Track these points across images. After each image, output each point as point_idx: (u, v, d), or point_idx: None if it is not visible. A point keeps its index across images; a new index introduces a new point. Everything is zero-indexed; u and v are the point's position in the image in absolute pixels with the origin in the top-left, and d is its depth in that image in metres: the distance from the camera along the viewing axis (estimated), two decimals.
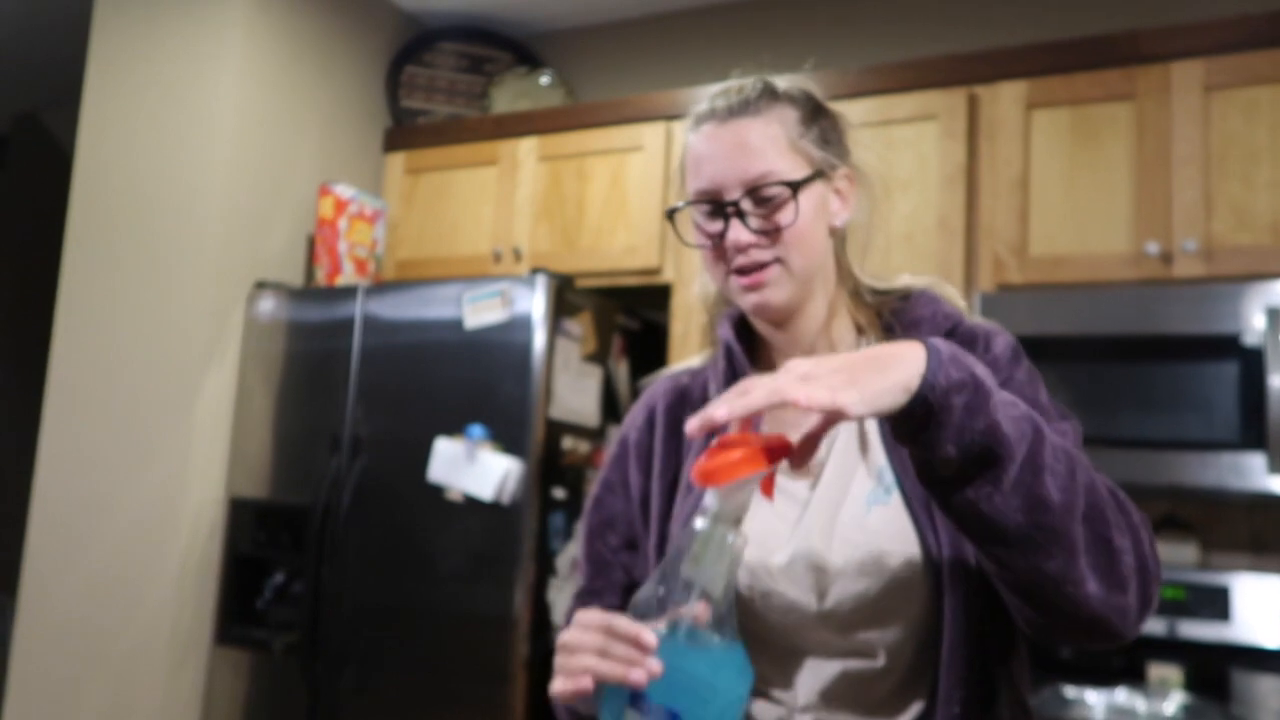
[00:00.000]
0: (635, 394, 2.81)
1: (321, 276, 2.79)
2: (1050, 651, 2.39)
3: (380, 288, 2.57)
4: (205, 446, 2.61)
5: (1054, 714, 2.01)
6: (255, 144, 2.78)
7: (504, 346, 2.38)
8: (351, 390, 2.50)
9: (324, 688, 2.35)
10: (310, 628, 2.36)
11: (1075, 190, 2.31)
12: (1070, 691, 2.17)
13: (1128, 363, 2.13)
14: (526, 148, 2.96)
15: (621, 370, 2.74)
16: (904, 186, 2.47)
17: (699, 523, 0.79)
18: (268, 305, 2.68)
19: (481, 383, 2.39)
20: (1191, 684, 2.23)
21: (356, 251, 2.81)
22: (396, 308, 2.52)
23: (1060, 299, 2.21)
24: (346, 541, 2.41)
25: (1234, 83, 2.19)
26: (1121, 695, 2.11)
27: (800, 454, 0.83)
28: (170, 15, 2.79)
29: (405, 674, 2.32)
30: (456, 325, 2.43)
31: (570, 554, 2.46)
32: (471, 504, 2.32)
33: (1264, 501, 2.31)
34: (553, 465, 2.41)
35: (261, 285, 2.72)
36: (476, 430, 2.35)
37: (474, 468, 2.34)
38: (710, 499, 0.79)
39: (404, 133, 3.19)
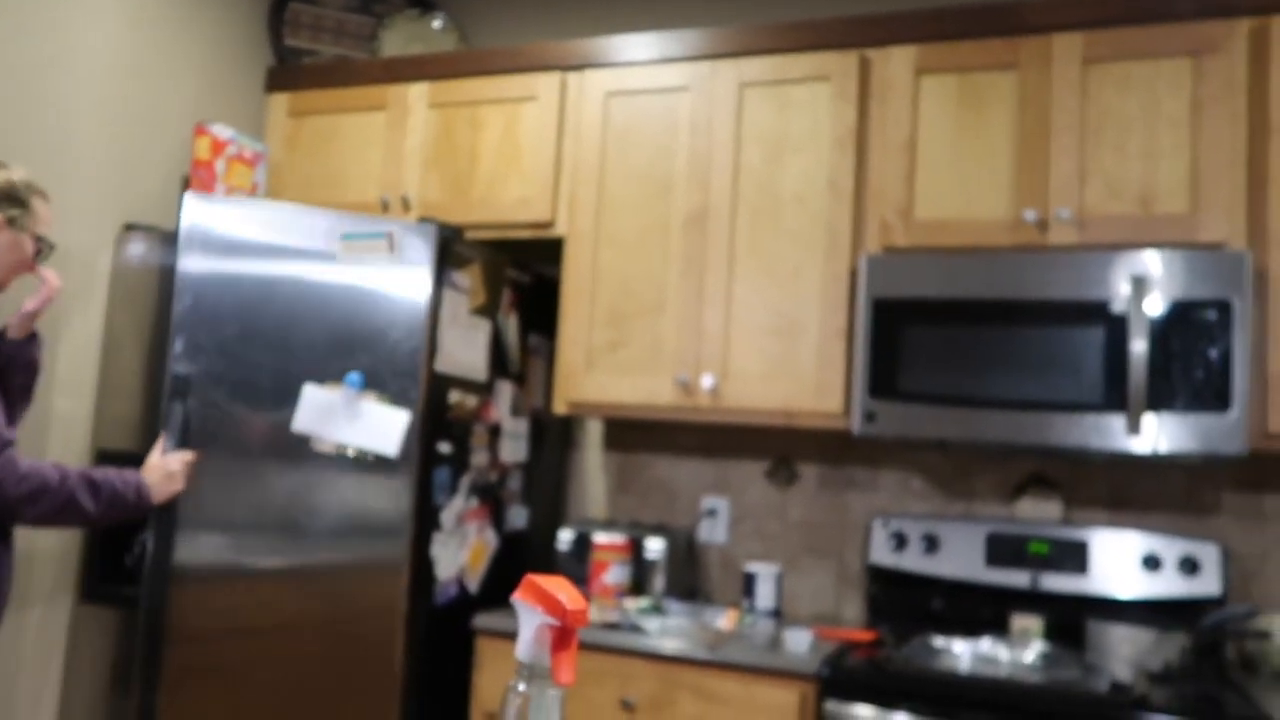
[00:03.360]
0: (525, 348, 2.78)
1: None
2: (921, 605, 2.48)
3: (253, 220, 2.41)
4: (69, 398, 2.48)
5: (923, 663, 2.08)
6: (126, 80, 2.63)
7: (387, 296, 2.32)
8: (206, 332, 2.31)
9: (181, 650, 2.27)
10: (160, 589, 2.24)
11: (960, 156, 2.37)
12: (938, 641, 2.26)
13: (1003, 326, 2.19)
14: (417, 93, 2.87)
15: (511, 324, 2.71)
16: (796, 148, 2.49)
17: (521, 686, 0.76)
18: (138, 249, 2.55)
19: (359, 331, 2.31)
20: (1051, 634, 2.35)
21: (235, 195, 2.69)
22: (265, 249, 2.34)
23: (942, 262, 2.27)
24: (204, 497, 2.29)
25: (1110, 56, 2.26)
26: (986, 645, 2.21)
27: None
28: None
29: (276, 633, 2.27)
30: (331, 266, 2.32)
31: (455, 509, 2.43)
32: (344, 458, 2.26)
33: (1122, 460, 2.43)
34: (439, 419, 2.37)
35: (131, 227, 2.59)
36: (356, 379, 2.27)
37: (360, 419, 2.26)
38: (526, 655, 0.76)
39: (287, 73, 3.06)
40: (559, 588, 0.76)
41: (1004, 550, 2.42)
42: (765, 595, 2.56)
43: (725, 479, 2.85)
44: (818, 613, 2.70)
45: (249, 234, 2.33)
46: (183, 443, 2.25)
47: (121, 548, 2.43)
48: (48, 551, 2.42)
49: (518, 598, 0.77)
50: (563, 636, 0.75)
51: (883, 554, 2.53)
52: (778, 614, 2.57)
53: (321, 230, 2.33)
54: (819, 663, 2.07)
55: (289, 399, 2.27)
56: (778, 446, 2.80)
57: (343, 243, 2.31)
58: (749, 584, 2.58)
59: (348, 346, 2.30)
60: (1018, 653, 2.17)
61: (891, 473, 2.68)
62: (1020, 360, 2.17)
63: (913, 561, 2.50)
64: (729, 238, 2.52)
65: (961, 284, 2.24)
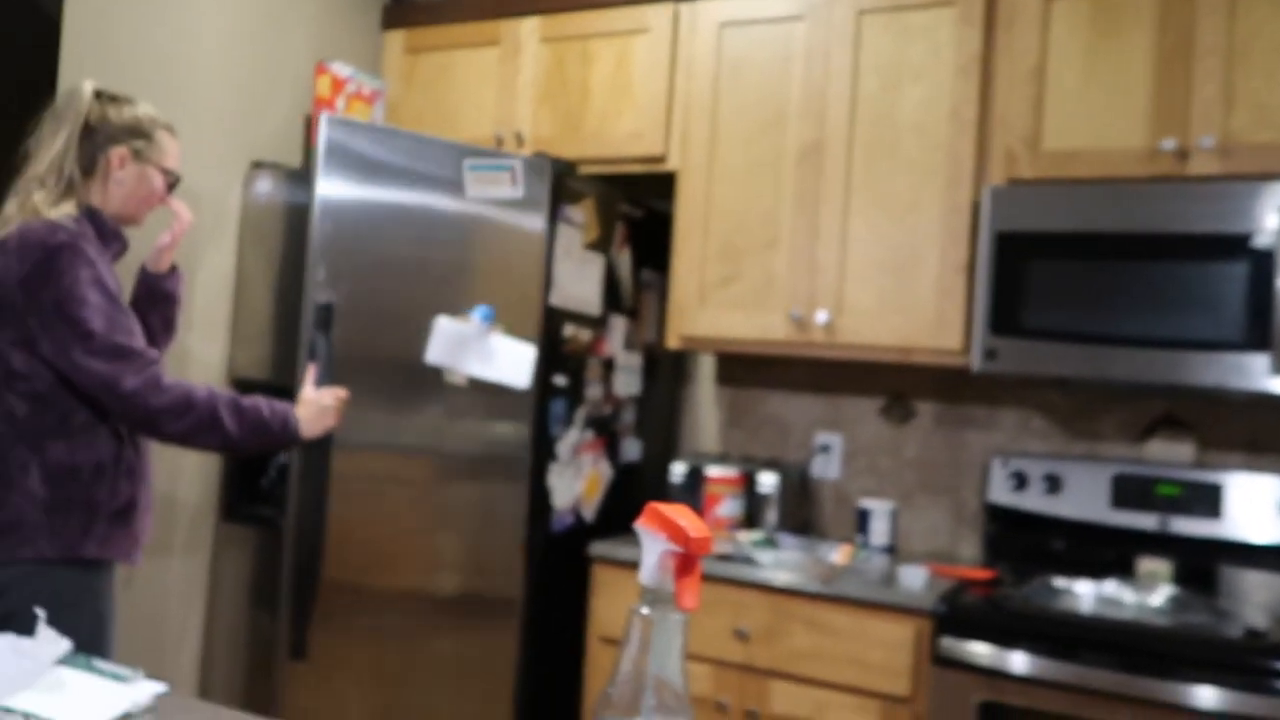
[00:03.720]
0: (638, 283, 2.79)
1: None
2: (1042, 545, 2.44)
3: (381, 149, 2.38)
4: (205, 330, 2.60)
5: (1043, 602, 2.05)
6: (248, 19, 2.69)
7: (505, 228, 2.35)
8: (345, 260, 2.32)
9: (324, 567, 2.38)
10: (314, 509, 2.34)
11: (1092, 82, 2.25)
12: (1059, 582, 2.22)
13: (1135, 260, 2.10)
14: (529, 28, 2.87)
15: (624, 259, 2.72)
16: (916, 77, 2.41)
17: (645, 610, 0.77)
18: (265, 186, 2.64)
19: (480, 262, 2.34)
20: (1180, 578, 2.28)
21: None
22: (399, 174, 2.34)
23: (1071, 194, 2.18)
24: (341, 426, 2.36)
25: None
26: (1110, 587, 2.16)
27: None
28: None
29: (407, 558, 2.36)
30: (447, 208, 2.34)
31: (570, 441, 2.48)
32: (476, 387, 2.30)
33: (1263, 401, 2.32)
34: (554, 352, 2.41)
35: (258, 165, 2.67)
36: (487, 311, 2.27)
37: (489, 352, 2.27)
38: (650, 580, 0.77)
39: (403, 10, 3.10)
40: (682, 515, 0.77)
41: (1131, 492, 2.35)
42: (879, 532, 2.55)
43: (839, 415, 2.83)
44: (933, 550, 2.68)
45: (385, 159, 2.33)
46: (329, 373, 2.22)
47: (257, 470, 2.56)
48: (191, 471, 2.57)
49: (641, 524, 0.78)
50: (686, 563, 0.76)
51: (1002, 493, 2.49)
52: (892, 550, 2.56)
53: (450, 159, 2.34)
54: (934, 599, 2.06)
55: (419, 328, 2.28)
56: (892, 383, 2.76)
57: (470, 173, 2.31)
58: (862, 520, 2.57)
59: (469, 277, 2.33)
60: (1144, 596, 2.12)
61: (1011, 411, 2.62)
62: (1153, 296, 2.08)
63: (1033, 501, 2.45)
64: (844, 170, 2.47)
65: (1091, 217, 2.15)
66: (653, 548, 0.78)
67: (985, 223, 2.25)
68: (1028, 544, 2.47)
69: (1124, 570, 2.34)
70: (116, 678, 1.14)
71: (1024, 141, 2.30)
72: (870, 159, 2.45)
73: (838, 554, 2.42)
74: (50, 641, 1.11)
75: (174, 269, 2.04)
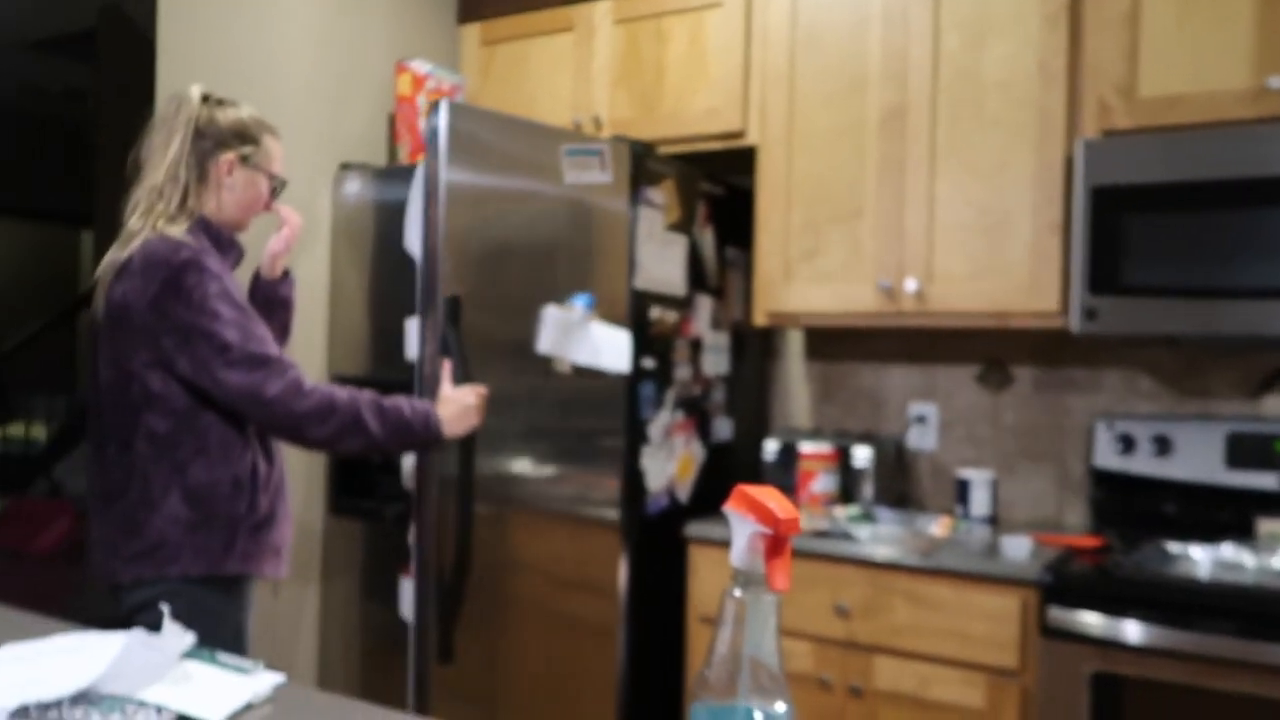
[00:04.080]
0: (722, 261, 2.78)
1: (403, 155, 2.79)
2: (1152, 510, 2.36)
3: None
4: (305, 328, 2.69)
5: (1156, 568, 1.98)
6: (330, 22, 2.76)
7: (590, 212, 2.36)
8: (467, 249, 2.20)
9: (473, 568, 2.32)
10: (462, 510, 2.18)
11: (1190, 23, 2.15)
12: (1173, 547, 2.14)
13: (1245, 208, 2.00)
14: (602, 10, 2.87)
15: (707, 237, 2.70)
16: (1000, 31, 2.33)
17: (738, 592, 0.77)
18: (354, 186, 2.70)
19: (573, 247, 2.33)
20: None
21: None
22: (506, 161, 2.24)
23: (1171, 142, 2.08)
24: None
25: None
26: (1228, 550, 2.07)
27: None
28: None
29: (521, 547, 2.40)
30: (546, 193, 2.29)
31: (661, 422, 2.49)
32: (574, 373, 2.31)
33: None
34: (641, 335, 2.42)
35: (346, 166, 2.74)
36: (587, 299, 2.26)
37: (590, 339, 2.27)
38: (741, 562, 0.78)
39: (477, 2, 3.13)
40: (769, 497, 0.77)
41: (1248, 451, 2.25)
42: (980, 502, 2.50)
43: (933, 384, 2.77)
44: (1036, 519, 2.61)
45: (497, 145, 2.22)
46: (464, 368, 2.09)
47: (359, 465, 2.64)
48: (298, 469, 2.66)
49: (729, 507, 0.79)
50: (776, 544, 0.77)
51: (1108, 457, 2.41)
52: (993, 521, 2.51)
53: (550, 145, 2.28)
54: (1040, 569, 2.01)
55: (529, 317, 2.23)
56: (988, 349, 2.70)
57: (567, 159, 2.28)
58: (962, 490, 2.52)
59: (567, 264, 2.32)
60: (1265, 558, 2.03)
61: (1114, 372, 2.53)
62: (1265, 245, 1.98)
63: (1142, 464, 2.36)
64: (929, 133, 2.41)
65: (1194, 165, 2.06)
66: (742, 530, 0.78)
67: (1079, 178, 2.17)
68: (1137, 509, 2.38)
69: (1242, 532, 2.24)
70: (238, 670, 1.19)
71: (1118, 90, 2.21)
72: (955, 120, 2.38)
73: (937, 526, 2.38)
74: (176, 636, 1.17)
75: (286, 274, 2.04)
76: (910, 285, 2.39)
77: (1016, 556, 2.10)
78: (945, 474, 2.73)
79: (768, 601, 0.78)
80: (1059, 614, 1.96)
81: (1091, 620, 1.92)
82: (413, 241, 2.27)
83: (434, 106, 2.10)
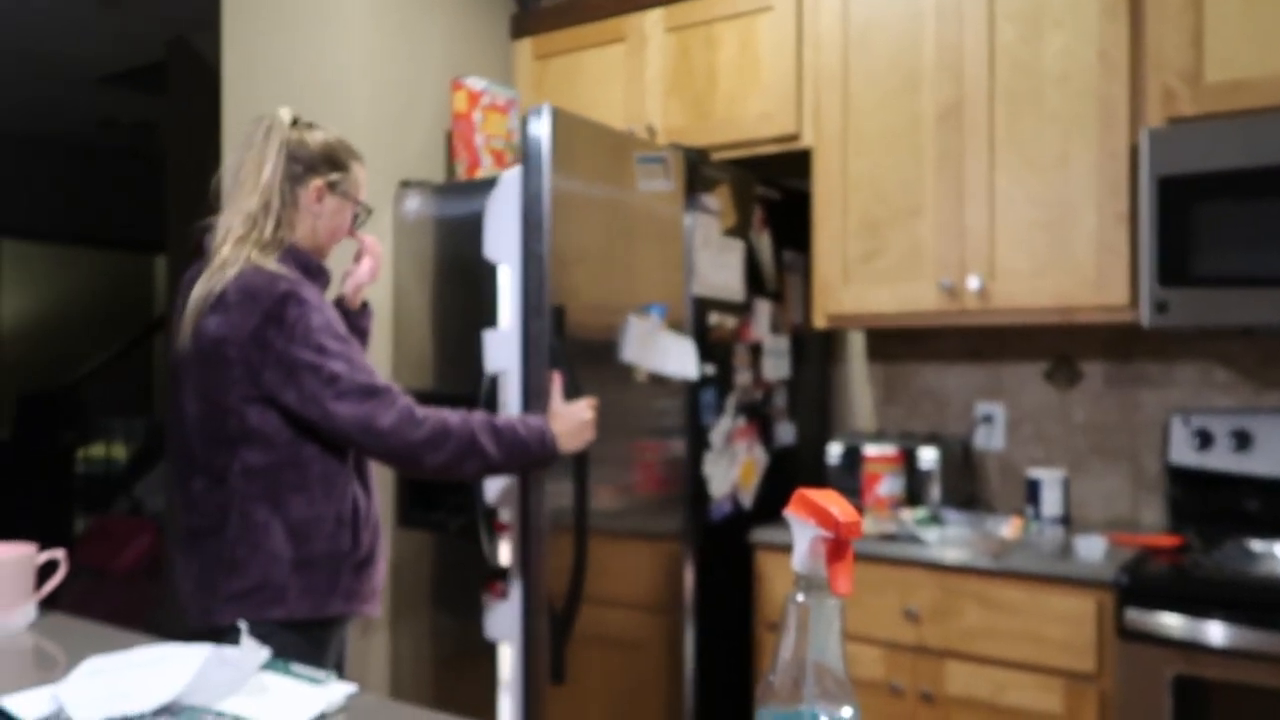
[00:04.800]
0: (780, 265, 2.77)
1: (461, 171, 2.83)
2: (1232, 507, 2.28)
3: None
4: (372, 345, 2.74)
5: (1239, 567, 1.92)
6: (388, 43, 2.81)
7: (655, 221, 2.36)
8: (549, 267, 2.14)
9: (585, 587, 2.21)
10: (578, 526, 2.12)
11: (1255, 5, 2.09)
12: (1256, 545, 2.07)
13: None
14: (653, 20, 2.88)
15: (764, 242, 2.70)
16: (1058, 21, 2.29)
17: (800, 597, 0.77)
18: (413, 204, 2.75)
19: (637, 255, 2.33)
20: None
21: (493, 144, 2.83)
22: (573, 171, 2.19)
23: (1241, 128, 2.03)
24: None
25: None
26: None
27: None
28: None
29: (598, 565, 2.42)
30: (618, 200, 2.26)
31: (723, 428, 2.48)
32: (655, 381, 2.31)
33: None
34: (700, 341, 2.42)
35: (406, 184, 2.79)
36: (660, 309, 2.27)
37: (662, 347, 2.28)
38: (803, 567, 0.77)
39: (530, 17, 3.16)
40: (830, 500, 0.77)
41: None
42: (1051, 502, 2.44)
43: (999, 383, 2.72)
44: (1111, 518, 2.55)
45: (587, 154, 2.18)
46: (573, 383, 2.03)
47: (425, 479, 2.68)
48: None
49: (790, 512, 0.79)
50: (837, 548, 0.76)
51: (1184, 453, 2.34)
52: (1065, 521, 2.45)
53: (623, 153, 2.27)
54: (1116, 570, 1.97)
55: (610, 325, 2.21)
56: (1054, 345, 2.64)
57: (639, 166, 2.26)
58: (1032, 491, 2.47)
59: (635, 272, 2.30)
60: None
61: (1188, 365, 2.46)
62: None
63: (1220, 460, 2.29)
64: (987, 128, 2.37)
65: (1266, 149, 1.99)
66: (803, 535, 0.78)
67: (1144, 168, 2.12)
68: (1216, 506, 2.31)
69: None
70: (312, 680, 1.22)
71: (1183, 77, 2.16)
72: (1013, 114, 2.34)
73: (1007, 527, 2.34)
74: (252, 650, 1.20)
75: (365, 305, 1.99)
76: (973, 283, 2.36)
77: (1091, 557, 2.05)
78: (1014, 474, 2.68)
79: (831, 606, 0.77)
80: (1137, 616, 1.91)
81: (1171, 622, 1.87)
82: (497, 250, 2.22)
83: (533, 113, 2.06)
